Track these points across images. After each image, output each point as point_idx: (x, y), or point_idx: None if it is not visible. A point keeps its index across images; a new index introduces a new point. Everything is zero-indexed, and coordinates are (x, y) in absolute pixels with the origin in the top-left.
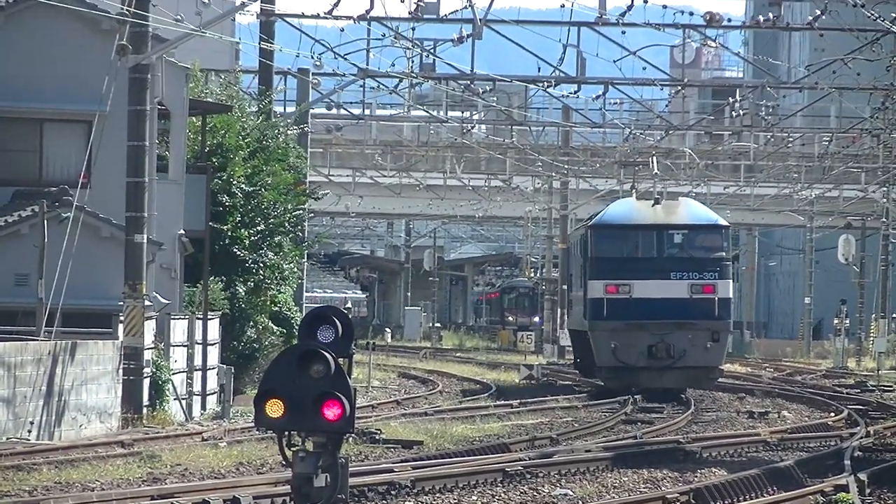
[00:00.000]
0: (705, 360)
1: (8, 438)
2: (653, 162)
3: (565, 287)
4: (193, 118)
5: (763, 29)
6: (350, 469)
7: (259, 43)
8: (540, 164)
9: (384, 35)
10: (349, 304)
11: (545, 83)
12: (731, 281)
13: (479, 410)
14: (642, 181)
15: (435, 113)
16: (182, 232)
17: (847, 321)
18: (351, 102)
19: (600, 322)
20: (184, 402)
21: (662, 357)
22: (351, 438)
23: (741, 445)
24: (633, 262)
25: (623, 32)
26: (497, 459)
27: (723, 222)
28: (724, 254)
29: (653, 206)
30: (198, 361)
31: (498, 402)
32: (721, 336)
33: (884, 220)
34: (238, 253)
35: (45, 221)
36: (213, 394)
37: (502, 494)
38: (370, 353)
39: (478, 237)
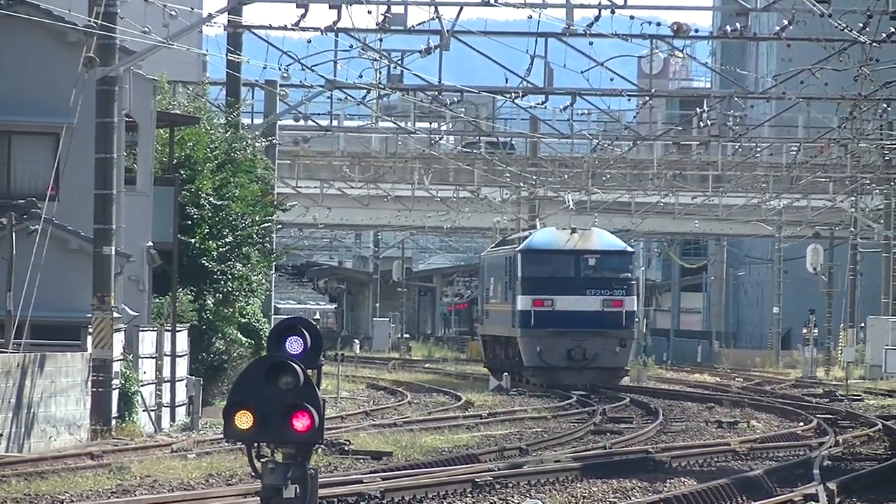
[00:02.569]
0: (614, 362)
1: None
2: (568, 198)
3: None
4: (161, 130)
5: (730, 39)
6: (319, 480)
7: (226, 55)
8: (508, 174)
9: (352, 46)
10: (317, 316)
11: (513, 94)
12: (635, 297)
13: (448, 421)
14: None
15: (403, 124)
16: (150, 244)
17: (815, 331)
18: (318, 114)
19: (528, 330)
20: (153, 414)
21: (579, 359)
22: (320, 449)
23: (710, 455)
24: (555, 280)
25: (590, 43)
26: (466, 470)
27: (629, 249)
28: (629, 274)
29: (571, 234)
30: (166, 373)
31: (467, 413)
32: (627, 342)
33: (852, 229)
34: (206, 265)
35: (14, 234)
36: (182, 405)
37: None
38: (339, 364)
39: (446, 248)
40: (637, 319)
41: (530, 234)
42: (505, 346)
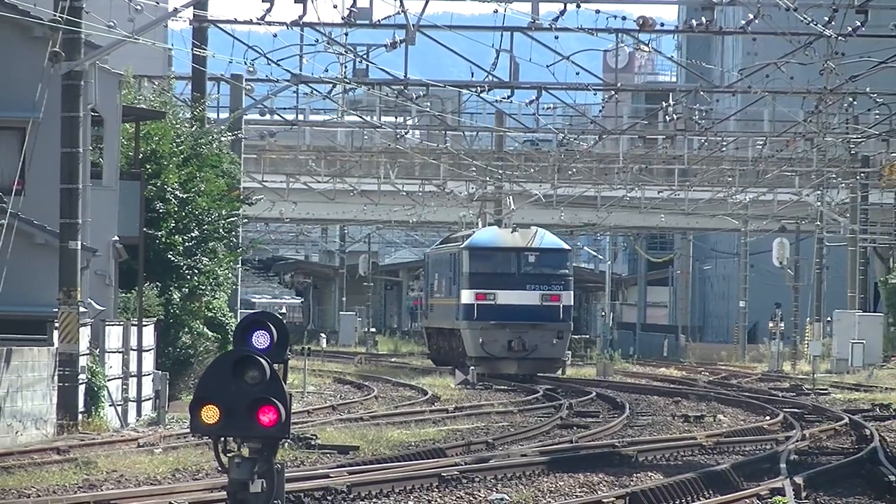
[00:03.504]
0: (552, 353)
1: None
2: (508, 200)
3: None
4: (127, 125)
5: (696, 33)
6: (286, 475)
7: (192, 49)
8: (474, 168)
9: (317, 40)
10: (284, 310)
11: (478, 88)
12: (572, 292)
13: (414, 415)
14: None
15: (368, 118)
16: (116, 238)
17: (782, 324)
18: (284, 108)
19: (471, 322)
20: (119, 409)
21: (519, 350)
22: (287, 444)
23: (677, 449)
24: (497, 276)
25: (556, 37)
26: (433, 464)
27: (566, 247)
28: (567, 271)
29: (512, 233)
30: (133, 368)
31: (433, 407)
32: (564, 335)
33: (818, 223)
34: (172, 259)
35: None
36: (148, 400)
37: (438, 499)
38: (305, 358)
39: (412, 242)
40: (604, 314)
41: (473, 232)
42: (449, 338)
